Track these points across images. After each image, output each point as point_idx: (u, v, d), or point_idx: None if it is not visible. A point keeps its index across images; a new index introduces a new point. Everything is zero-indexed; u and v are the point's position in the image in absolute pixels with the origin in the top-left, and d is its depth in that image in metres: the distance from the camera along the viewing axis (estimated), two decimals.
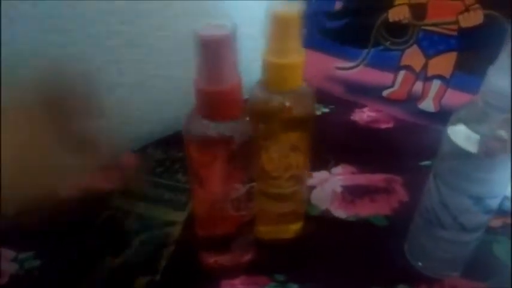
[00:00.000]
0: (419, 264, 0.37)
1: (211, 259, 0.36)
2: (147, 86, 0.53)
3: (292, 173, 0.34)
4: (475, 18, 0.48)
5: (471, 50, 0.50)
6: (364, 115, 0.58)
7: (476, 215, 0.32)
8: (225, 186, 0.30)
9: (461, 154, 0.30)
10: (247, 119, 0.29)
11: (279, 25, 0.28)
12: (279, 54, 0.29)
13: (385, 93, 0.57)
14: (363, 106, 0.60)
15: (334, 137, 0.50)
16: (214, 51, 0.25)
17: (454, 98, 0.52)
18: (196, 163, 0.30)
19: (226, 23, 0.25)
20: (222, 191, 0.31)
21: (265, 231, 0.38)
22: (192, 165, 0.31)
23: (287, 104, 0.31)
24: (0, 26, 0.39)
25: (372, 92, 0.58)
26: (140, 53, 0.50)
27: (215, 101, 0.27)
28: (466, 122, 0.30)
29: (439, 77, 0.53)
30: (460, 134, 0.30)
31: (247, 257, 0.37)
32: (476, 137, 0.29)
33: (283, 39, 0.28)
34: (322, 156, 0.49)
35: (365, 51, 0.56)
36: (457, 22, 0.49)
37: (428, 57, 0.53)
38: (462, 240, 0.34)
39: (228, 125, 0.28)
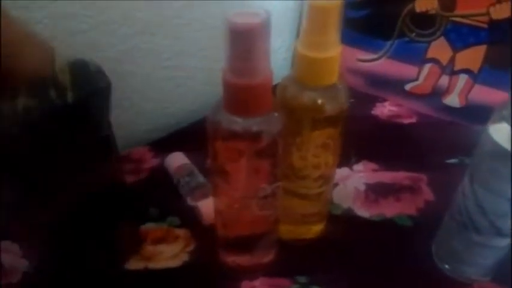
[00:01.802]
0: (447, 267, 0.36)
1: (230, 258, 0.35)
2: (160, 76, 0.51)
3: (321, 172, 0.32)
4: (506, 10, 0.46)
5: (502, 43, 0.47)
6: (385, 109, 0.56)
7: None
8: (251, 183, 0.29)
9: (504, 155, 0.28)
10: (276, 114, 0.27)
11: (317, 16, 0.26)
12: (315, 47, 0.27)
13: (408, 86, 0.55)
14: (384, 100, 0.57)
15: (355, 132, 0.48)
16: (247, 41, 0.23)
17: (481, 93, 0.50)
18: (221, 158, 0.29)
19: (259, 10, 0.23)
20: (249, 188, 0.29)
21: (287, 231, 0.37)
22: (216, 160, 0.29)
23: (319, 101, 0.29)
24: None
25: (394, 86, 0.56)
26: (155, 42, 0.48)
27: (245, 95, 0.25)
28: (510, 121, 0.28)
29: (467, 71, 0.50)
30: (503, 133, 0.28)
31: (268, 258, 0.35)
32: None
33: (321, 31, 0.26)
34: (343, 152, 0.47)
35: (389, 42, 0.54)
36: (487, 14, 0.47)
37: (456, 50, 0.50)
38: (496, 245, 0.32)
39: (257, 120, 0.26)
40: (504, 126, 0.28)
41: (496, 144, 0.28)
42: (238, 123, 0.26)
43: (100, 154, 0.30)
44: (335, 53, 0.27)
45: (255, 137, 0.27)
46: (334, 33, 0.26)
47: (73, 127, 0.27)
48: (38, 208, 0.28)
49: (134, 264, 0.36)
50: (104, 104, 0.29)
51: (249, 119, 0.26)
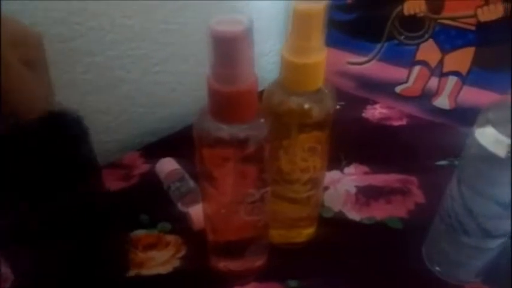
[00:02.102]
0: (438, 269, 0.36)
1: (221, 263, 0.35)
2: (151, 82, 0.51)
3: (309, 176, 0.32)
4: (494, 11, 0.46)
5: (490, 45, 0.48)
6: (375, 112, 0.56)
7: (502, 222, 0.30)
8: (239, 188, 0.29)
9: (489, 158, 0.28)
10: (262, 120, 0.27)
11: (301, 21, 0.26)
12: (300, 53, 0.27)
13: (398, 89, 0.55)
14: (375, 103, 0.58)
15: (345, 135, 0.49)
16: (230, 48, 0.23)
17: (470, 95, 0.51)
18: (208, 163, 0.29)
19: (242, 17, 0.23)
20: (236, 194, 0.29)
21: (277, 235, 0.37)
22: (203, 165, 0.29)
23: (306, 106, 0.29)
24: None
25: (384, 88, 0.56)
26: (144, 47, 0.48)
27: (230, 102, 0.25)
28: (495, 124, 0.28)
29: (456, 73, 0.51)
30: (489, 137, 0.28)
31: (259, 263, 0.35)
32: (506, 140, 0.27)
33: (306, 36, 0.26)
34: (334, 155, 0.47)
35: (378, 45, 0.54)
36: (475, 16, 0.47)
37: (444, 52, 0.51)
38: (486, 247, 0.32)
39: (243, 127, 0.26)
40: (490, 130, 0.29)
41: (482, 148, 0.29)
42: (224, 130, 0.26)
43: (80, 177, 0.30)
44: (320, 58, 0.27)
45: (242, 143, 0.27)
46: (318, 38, 0.27)
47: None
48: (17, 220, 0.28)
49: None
50: (81, 148, 0.30)
51: (234, 125, 0.26)
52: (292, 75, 0.28)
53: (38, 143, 0.27)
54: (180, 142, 0.48)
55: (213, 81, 0.25)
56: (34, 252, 0.31)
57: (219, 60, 0.24)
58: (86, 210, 0.31)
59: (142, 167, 0.47)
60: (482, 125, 0.29)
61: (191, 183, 0.43)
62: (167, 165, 0.45)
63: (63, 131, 0.29)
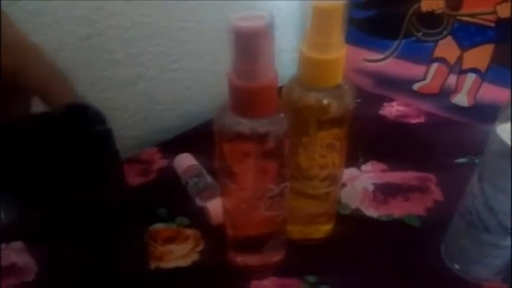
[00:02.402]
0: (457, 267, 0.36)
1: (239, 258, 0.35)
2: (168, 79, 0.52)
3: (328, 172, 0.32)
4: None
5: (509, 42, 0.47)
6: (393, 109, 0.56)
7: None
8: (259, 183, 0.29)
9: (511, 154, 0.28)
10: (282, 115, 0.28)
11: (321, 18, 0.26)
12: (319, 49, 0.27)
13: (416, 86, 0.55)
14: (392, 100, 0.57)
15: (362, 132, 0.49)
16: (252, 44, 0.23)
17: (489, 92, 0.50)
18: (229, 159, 0.29)
19: (263, 12, 0.24)
20: (256, 189, 0.29)
21: (295, 231, 0.37)
22: (223, 161, 0.29)
23: (325, 101, 0.29)
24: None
25: (402, 85, 0.56)
26: (162, 45, 0.49)
27: (250, 97, 0.25)
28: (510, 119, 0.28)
29: (475, 70, 0.50)
30: (510, 133, 0.28)
31: (277, 258, 0.36)
32: None
33: (325, 32, 0.26)
34: (351, 153, 0.47)
35: (395, 42, 0.54)
36: (494, 12, 0.47)
37: (463, 49, 0.50)
38: (506, 244, 0.32)
39: (263, 121, 0.27)
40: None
41: (503, 144, 0.28)
42: (244, 125, 0.27)
43: (101, 176, 0.31)
44: (339, 54, 0.27)
45: (262, 138, 0.27)
46: (338, 35, 0.27)
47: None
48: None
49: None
50: (103, 146, 0.30)
51: (255, 120, 0.26)
52: (311, 71, 0.28)
53: (65, 134, 0.28)
54: (196, 138, 0.49)
55: (234, 77, 0.25)
56: (58, 245, 0.32)
57: (240, 56, 0.24)
58: (109, 205, 0.31)
59: (160, 163, 0.47)
60: (504, 121, 0.29)
61: (208, 178, 0.43)
62: (185, 161, 0.45)
63: (88, 124, 0.29)
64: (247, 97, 0.25)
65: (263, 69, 0.24)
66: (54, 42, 0.41)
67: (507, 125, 0.29)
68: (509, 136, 0.28)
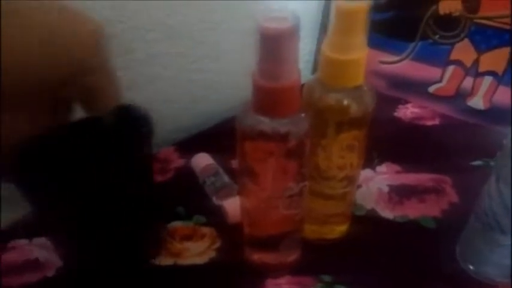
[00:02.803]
0: (471, 268, 0.36)
1: (256, 256, 0.36)
2: (187, 79, 0.53)
3: (346, 173, 0.33)
4: None
5: None
6: (408, 111, 0.56)
7: None
8: (279, 183, 0.29)
9: None
10: (303, 115, 0.28)
11: (344, 18, 0.26)
12: (341, 49, 0.27)
13: (431, 88, 0.55)
14: (406, 102, 0.57)
15: (378, 134, 0.49)
16: (278, 45, 0.24)
17: (506, 95, 0.50)
18: (250, 158, 0.29)
19: (288, 13, 0.24)
20: (276, 188, 0.30)
21: (310, 230, 0.37)
22: (244, 160, 0.30)
23: (345, 102, 0.29)
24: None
25: (417, 88, 0.56)
26: (181, 45, 0.50)
27: (274, 97, 0.26)
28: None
29: (491, 73, 0.50)
30: None
31: (293, 257, 0.36)
32: None
33: (348, 33, 0.27)
34: (366, 154, 0.48)
35: (412, 44, 0.54)
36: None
37: (480, 52, 0.50)
38: None
39: (284, 121, 0.27)
40: None
41: None
42: (266, 124, 0.27)
43: (137, 177, 0.32)
44: (361, 55, 0.27)
45: (283, 137, 0.27)
46: (360, 36, 0.27)
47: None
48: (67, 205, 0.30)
49: (164, 260, 0.37)
50: (145, 145, 0.32)
51: (277, 120, 0.27)
52: (332, 71, 0.29)
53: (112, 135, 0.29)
54: (213, 138, 0.50)
55: (258, 76, 0.25)
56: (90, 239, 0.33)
57: (265, 56, 0.25)
58: (138, 201, 0.32)
59: (178, 162, 0.48)
60: None
61: (225, 178, 0.44)
62: (202, 160, 0.46)
63: (134, 126, 0.30)
64: (270, 97, 0.26)
65: (287, 70, 0.25)
66: None
67: None
68: None
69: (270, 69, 0.25)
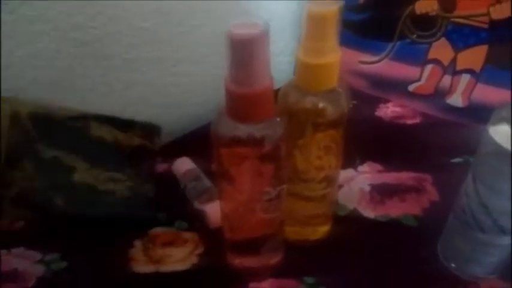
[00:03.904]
0: (453, 265, 0.36)
1: (238, 260, 0.36)
2: (167, 83, 0.52)
3: (324, 174, 0.33)
4: (507, 10, 0.46)
5: (503, 43, 0.48)
6: (388, 111, 0.56)
7: None
8: (256, 186, 0.29)
9: (504, 155, 0.28)
10: (278, 119, 0.28)
11: (316, 23, 0.26)
12: (314, 54, 0.27)
13: (411, 87, 0.56)
14: (387, 101, 0.58)
15: (359, 134, 0.49)
16: (248, 51, 0.24)
17: (484, 93, 0.50)
18: (226, 162, 0.29)
19: (259, 20, 0.24)
20: (253, 192, 0.30)
21: (292, 232, 0.37)
22: (220, 164, 0.30)
23: (321, 105, 0.30)
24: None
25: (397, 87, 0.56)
26: (159, 49, 0.49)
27: (247, 103, 0.26)
28: (510, 122, 0.28)
29: (469, 71, 0.51)
30: (503, 134, 0.29)
31: (275, 259, 0.36)
32: None
33: (320, 37, 0.27)
34: (348, 154, 0.48)
35: (390, 44, 0.55)
36: (488, 14, 0.47)
37: (457, 50, 0.51)
38: (501, 243, 0.32)
39: (259, 126, 0.27)
40: (504, 127, 0.29)
41: (496, 145, 0.29)
42: (241, 129, 0.27)
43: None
44: (334, 59, 0.28)
45: (258, 142, 0.27)
46: (332, 39, 0.27)
47: None
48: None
49: (145, 268, 0.37)
50: None
51: (251, 125, 0.27)
52: (307, 75, 0.29)
53: None
54: (194, 142, 0.49)
55: (231, 82, 0.25)
56: None
57: (236, 62, 0.25)
58: None
59: (159, 166, 0.48)
60: (497, 122, 0.30)
61: (207, 182, 0.43)
62: (183, 165, 0.46)
63: None
64: (244, 103, 0.26)
65: (259, 76, 0.25)
66: (51, 49, 0.42)
67: (500, 127, 0.29)
68: (503, 138, 0.29)
69: (241, 75, 0.25)
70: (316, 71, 0.28)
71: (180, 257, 0.38)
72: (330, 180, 0.34)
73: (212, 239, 0.39)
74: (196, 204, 0.42)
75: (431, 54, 0.52)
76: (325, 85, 0.29)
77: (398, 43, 0.54)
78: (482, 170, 0.31)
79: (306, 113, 0.30)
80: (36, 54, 0.41)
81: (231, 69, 0.25)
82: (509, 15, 0.46)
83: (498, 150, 0.29)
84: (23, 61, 0.41)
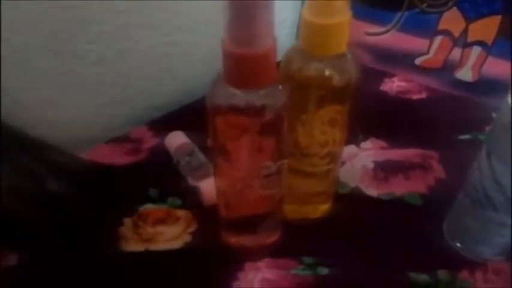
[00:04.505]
0: (459, 246, 0.35)
1: (233, 239, 0.34)
2: (161, 53, 0.49)
3: (328, 149, 0.30)
4: None
5: None
6: (394, 85, 0.54)
7: None
8: (254, 161, 0.27)
9: None
10: (281, 87, 0.25)
11: None
12: (322, 13, 0.25)
13: (418, 60, 0.53)
14: (393, 75, 0.55)
15: (362, 109, 0.47)
16: (247, 5, 0.21)
17: (495, 66, 0.48)
18: (223, 136, 0.27)
19: None
20: (252, 167, 0.27)
21: (292, 210, 0.36)
22: (216, 138, 0.27)
23: (327, 73, 0.27)
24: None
25: (403, 60, 0.54)
26: (153, 16, 0.46)
27: (246, 66, 0.23)
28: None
29: (480, 43, 0.48)
30: None
31: (273, 238, 0.34)
32: None
33: None
34: (350, 130, 0.46)
35: (398, 14, 0.51)
36: None
37: (469, 21, 0.48)
38: None
39: (259, 93, 0.24)
40: None
41: None
42: (239, 97, 0.24)
43: None
44: (344, 19, 0.25)
45: (258, 111, 0.25)
46: None
47: None
48: None
49: (133, 246, 0.35)
50: None
51: (251, 92, 0.24)
52: (313, 37, 0.26)
53: None
54: (189, 116, 0.47)
55: (229, 43, 0.23)
56: None
57: (235, 19, 0.22)
58: None
59: (151, 141, 0.45)
60: None
61: (202, 157, 0.41)
62: (177, 139, 0.43)
63: None
64: (243, 65, 0.23)
65: (261, 35, 0.22)
66: (35, 14, 0.38)
67: None
68: None
69: (241, 34, 0.22)
70: (324, 32, 0.25)
71: (172, 236, 0.36)
72: (333, 156, 0.32)
73: (206, 217, 0.37)
74: (190, 180, 0.40)
75: (442, 25, 0.49)
76: (333, 49, 0.26)
77: (406, 13, 0.51)
78: (497, 144, 0.29)
79: (311, 80, 0.27)
80: (22, 19, 0.38)
81: (229, 26, 0.22)
82: None
83: None
84: (7, 28, 0.38)
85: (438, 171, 0.42)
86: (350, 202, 0.39)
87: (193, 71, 0.53)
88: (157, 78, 0.51)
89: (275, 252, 0.35)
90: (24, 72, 0.40)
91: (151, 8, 0.45)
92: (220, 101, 0.25)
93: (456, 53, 0.50)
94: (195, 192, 0.38)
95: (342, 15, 0.25)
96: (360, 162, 0.43)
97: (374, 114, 0.47)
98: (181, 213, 0.38)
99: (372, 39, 0.55)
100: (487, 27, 0.47)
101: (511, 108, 0.26)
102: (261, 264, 0.34)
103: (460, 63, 0.50)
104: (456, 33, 0.49)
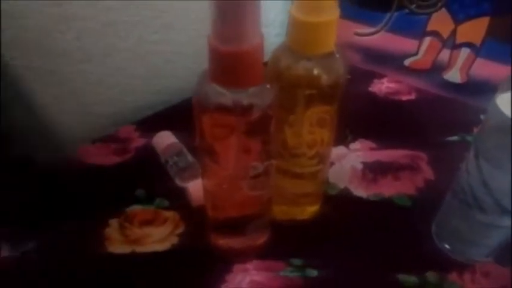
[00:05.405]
0: (448, 247, 0.35)
1: (221, 241, 0.33)
2: (147, 52, 0.48)
3: (316, 150, 0.30)
4: None
5: (505, 15, 0.45)
6: (383, 86, 0.54)
7: None
8: (242, 162, 0.27)
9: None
10: (268, 86, 0.25)
11: None
12: (310, 11, 0.24)
13: (407, 62, 0.53)
14: (382, 76, 0.55)
15: (351, 110, 0.47)
16: (235, 2, 0.20)
17: (483, 68, 0.48)
18: (209, 136, 0.26)
19: None
20: (239, 168, 0.27)
21: (280, 211, 0.35)
22: (203, 138, 0.27)
23: (315, 71, 0.26)
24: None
25: (393, 61, 0.54)
26: (141, 14, 0.45)
27: (233, 64, 0.23)
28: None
29: (469, 44, 0.48)
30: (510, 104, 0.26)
31: (261, 240, 0.34)
32: None
33: None
34: (339, 131, 0.46)
35: (387, 15, 0.51)
36: None
37: (457, 22, 0.48)
38: (501, 224, 0.31)
39: (246, 92, 0.24)
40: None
41: (503, 116, 0.26)
42: (226, 96, 0.24)
43: None
44: (332, 17, 0.25)
45: (245, 110, 0.24)
46: None
47: None
48: None
49: (120, 248, 0.34)
50: None
51: (238, 91, 0.24)
52: (301, 36, 0.26)
53: None
54: (177, 116, 0.46)
55: (215, 40, 0.22)
56: None
57: (221, 15, 0.21)
58: None
59: (139, 141, 0.45)
60: (505, 91, 0.27)
61: (189, 157, 0.41)
62: (165, 139, 0.43)
63: None
64: (230, 63, 0.23)
65: (248, 32, 0.22)
66: (17, 9, 0.37)
67: (507, 95, 0.27)
68: (509, 107, 0.26)
69: (228, 31, 0.21)
70: (312, 30, 0.25)
71: (159, 237, 0.35)
72: (322, 157, 0.32)
73: (194, 218, 0.36)
74: (178, 181, 0.39)
75: (431, 26, 0.49)
76: (321, 47, 0.26)
77: (395, 14, 0.51)
78: (486, 145, 0.29)
79: (299, 80, 0.27)
80: (6, 13, 0.37)
81: (215, 23, 0.21)
82: None
83: (504, 122, 0.26)
84: None
85: (427, 172, 0.42)
86: (339, 203, 0.39)
87: (181, 70, 0.53)
88: (144, 77, 0.50)
89: (263, 254, 0.34)
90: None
91: (138, 4, 0.45)
92: (206, 101, 0.25)
93: (445, 54, 0.50)
94: (182, 193, 0.38)
95: (330, 13, 0.25)
96: (349, 163, 0.43)
97: (363, 115, 0.47)
98: (168, 214, 0.37)
99: (362, 40, 0.55)
100: (476, 29, 0.47)
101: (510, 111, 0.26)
102: (249, 266, 0.34)
103: (448, 65, 0.50)
104: (445, 34, 0.49)
